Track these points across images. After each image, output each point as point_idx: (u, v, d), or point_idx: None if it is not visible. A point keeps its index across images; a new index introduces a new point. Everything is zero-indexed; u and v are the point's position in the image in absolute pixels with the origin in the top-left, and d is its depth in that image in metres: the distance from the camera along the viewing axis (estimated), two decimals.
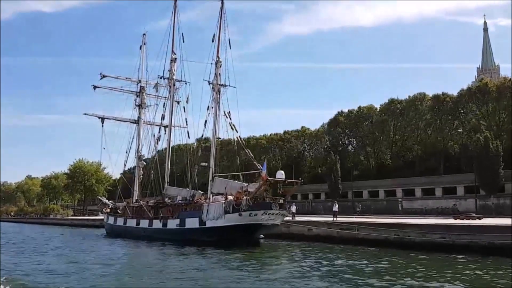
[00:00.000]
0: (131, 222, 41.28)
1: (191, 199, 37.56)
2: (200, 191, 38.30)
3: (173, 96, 43.35)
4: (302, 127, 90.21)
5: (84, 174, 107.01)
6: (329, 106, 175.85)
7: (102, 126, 47.55)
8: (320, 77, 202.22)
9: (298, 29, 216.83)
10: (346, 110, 79.42)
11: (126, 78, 48.10)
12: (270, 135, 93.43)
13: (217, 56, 37.97)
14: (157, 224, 37.36)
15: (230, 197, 34.62)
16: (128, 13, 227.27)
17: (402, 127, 73.81)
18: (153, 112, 47.84)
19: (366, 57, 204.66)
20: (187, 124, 42.82)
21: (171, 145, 43.65)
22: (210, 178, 37.03)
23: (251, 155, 36.29)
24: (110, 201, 52.44)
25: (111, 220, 45.90)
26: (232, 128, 35.80)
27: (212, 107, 37.81)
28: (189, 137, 42.91)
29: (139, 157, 47.92)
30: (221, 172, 39.12)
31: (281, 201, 32.13)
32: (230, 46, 37.67)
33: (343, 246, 31.33)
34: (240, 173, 37.14)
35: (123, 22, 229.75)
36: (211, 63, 38.15)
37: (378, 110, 76.24)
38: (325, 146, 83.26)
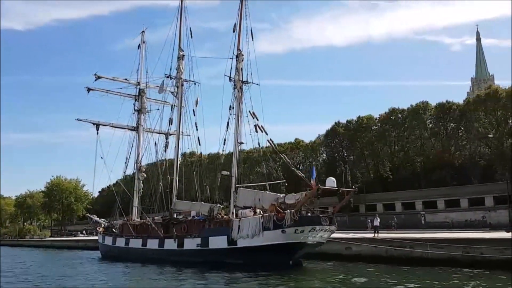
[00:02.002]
0: (136, 243, 34.59)
1: (209, 214, 31.34)
2: (219, 205, 32.11)
3: (181, 97, 37.32)
4: (296, 139, 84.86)
5: (62, 192, 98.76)
6: (311, 122, 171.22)
7: (97, 133, 41.11)
8: (298, 95, 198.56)
9: (272, 48, 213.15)
10: (344, 121, 74.76)
11: (125, 79, 41.87)
12: (262, 148, 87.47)
13: (238, 49, 32.32)
14: (170, 244, 30.90)
15: (259, 211, 28.77)
16: (102, 31, 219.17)
17: (404, 138, 69.52)
18: (155, 118, 41.71)
19: (340, 75, 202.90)
20: (197, 129, 36.76)
21: (179, 154, 37.32)
22: (233, 189, 31.01)
23: (288, 160, 30.65)
24: (103, 219, 45.34)
25: (108, 240, 38.91)
26: (260, 130, 29.90)
27: (233, 107, 32.01)
28: (199, 144, 36.81)
29: (139, 168, 41.39)
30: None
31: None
32: (252, 37, 32.11)
33: (396, 267, 25.86)
34: (267, 183, 31.08)
35: (99, 40, 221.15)
36: (231, 58, 32.50)
37: (378, 120, 71.79)
38: (322, 159, 78.50)
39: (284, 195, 27.93)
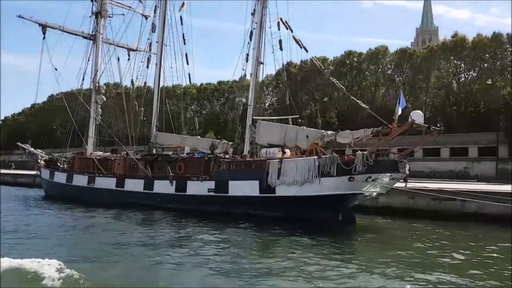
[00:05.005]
0: (105, 182, 25.66)
1: (211, 151, 23.61)
2: (225, 141, 24.31)
3: None
4: (241, 78, 77.09)
5: None
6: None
7: (44, 38, 30.19)
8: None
9: None
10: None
11: None
12: (201, 85, 78.46)
13: None
14: (163, 187, 22.80)
15: (288, 152, 21.83)
16: None
17: (357, 83, 65.30)
18: (120, 29, 32.03)
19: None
20: (185, 43, 28.08)
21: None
22: (249, 121, 23.37)
23: (341, 86, 23.63)
24: (40, 150, 35.06)
25: (59, 177, 29.12)
26: (298, 44, 21.99)
27: (253, 14, 23.72)
28: (187, 63, 28.21)
29: (97, 89, 31.53)
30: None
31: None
32: None
33: (443, 223, 20.95)
34: (291, 116, 23.82)
35: None
36: None
37: (332, 62, 66.57)
38: (271, 100, 72.50)
39: (332, 132, 21.04)
